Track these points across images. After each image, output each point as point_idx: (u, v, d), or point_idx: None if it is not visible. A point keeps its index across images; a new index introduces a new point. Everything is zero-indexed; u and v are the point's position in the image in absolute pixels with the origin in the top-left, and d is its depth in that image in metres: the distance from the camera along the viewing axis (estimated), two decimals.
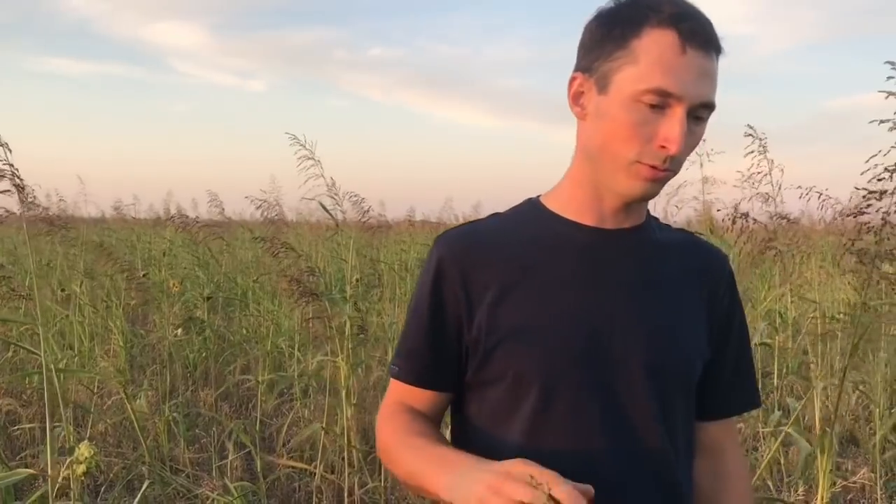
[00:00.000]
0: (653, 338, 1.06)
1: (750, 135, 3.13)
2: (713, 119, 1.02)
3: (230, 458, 3.51)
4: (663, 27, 0.96)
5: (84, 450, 2.11)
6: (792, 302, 4.56)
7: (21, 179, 1.78)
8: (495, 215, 1.17)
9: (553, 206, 1.11)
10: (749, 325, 1.28)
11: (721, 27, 0.99)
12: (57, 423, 3.86)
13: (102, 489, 3.52)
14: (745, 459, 1.27)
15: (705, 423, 1.18)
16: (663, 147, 0.97)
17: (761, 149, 3.15)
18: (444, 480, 0.94)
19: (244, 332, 5.98)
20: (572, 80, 1.05)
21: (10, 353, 4.88)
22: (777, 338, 4.20)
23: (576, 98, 1.05)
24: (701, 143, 1.07)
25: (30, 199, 1.88)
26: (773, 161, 3.21)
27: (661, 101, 0.96)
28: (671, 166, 0.99)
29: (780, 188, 3.28)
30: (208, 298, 5.63)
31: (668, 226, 1.18)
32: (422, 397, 1.13)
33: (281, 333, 5.30)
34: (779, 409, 3.62)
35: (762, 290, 5.07)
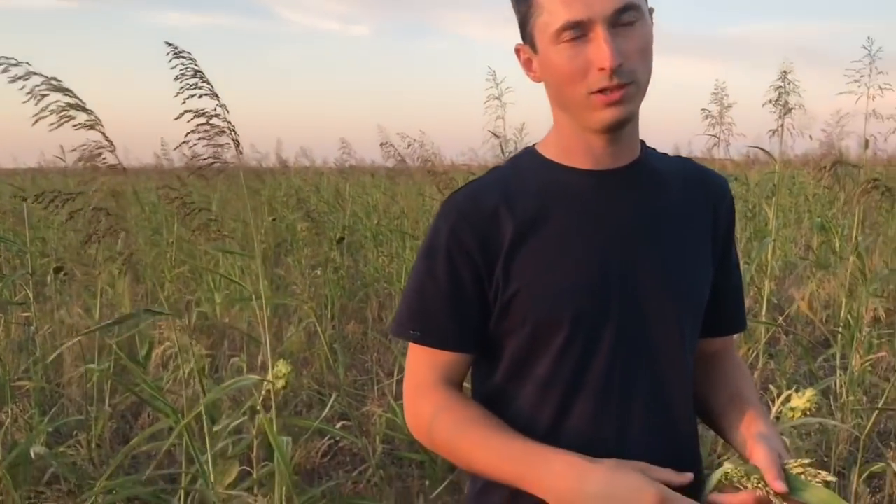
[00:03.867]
0: (666, 269, 1.11)
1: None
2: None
3: (386, 382, 3.80)
4: None
5: (281, 366, 2.40)
6: None
7: (236, 134, 2.04)
8: (496, 169, 1.19)
9: (550, 154, 1.14)
10: None
11: None
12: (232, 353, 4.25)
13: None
14: (740, 358, 1.32)
15: (709, 338, 1.24)
16: (601, 69, 1.00)
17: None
18: (555, 485, 0.99)
19: (373, 272, 6.28)
20: (517, 51, 1.14)
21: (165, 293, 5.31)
22: None
23: (527, 66, 1.12)
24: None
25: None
26: None
27: (577, 33, 1.00)
28: (623, 80, 1.01)
29: None
30: (340, 240, 5.92)
31: (665, 154, 1.22)
32: (447, 360, 1.13)
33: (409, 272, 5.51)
34: None
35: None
